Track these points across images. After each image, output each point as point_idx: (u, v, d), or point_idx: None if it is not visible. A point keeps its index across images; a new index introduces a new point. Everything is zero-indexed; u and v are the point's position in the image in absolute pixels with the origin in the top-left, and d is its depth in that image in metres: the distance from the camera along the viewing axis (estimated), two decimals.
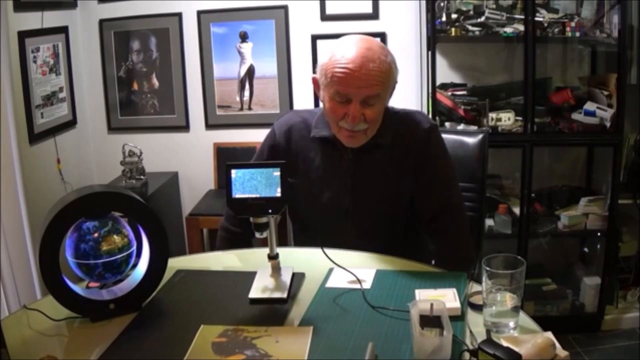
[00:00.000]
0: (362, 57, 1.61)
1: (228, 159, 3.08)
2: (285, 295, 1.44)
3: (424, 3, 2.85)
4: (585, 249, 3.09)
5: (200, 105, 3.28)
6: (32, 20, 2.79)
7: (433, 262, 1.76)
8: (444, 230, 1.78)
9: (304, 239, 1.87)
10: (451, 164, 1.83)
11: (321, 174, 1.80)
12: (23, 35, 2.69)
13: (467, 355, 1.17)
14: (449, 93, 2.85)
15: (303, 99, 3.19)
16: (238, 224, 1.87)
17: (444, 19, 2.74)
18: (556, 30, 2.72)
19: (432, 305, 1.24)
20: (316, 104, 3.10)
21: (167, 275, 1.53)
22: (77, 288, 1.42)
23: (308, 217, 1.86)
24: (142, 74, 3.27)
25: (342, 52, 1.63)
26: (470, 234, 1.85)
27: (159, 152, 3.31)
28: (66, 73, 3.07)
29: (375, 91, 1.63)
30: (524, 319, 1.31)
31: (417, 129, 1.77)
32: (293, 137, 1.83)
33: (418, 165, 1.76)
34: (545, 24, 2.72)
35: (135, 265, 1.48)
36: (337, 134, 1.73)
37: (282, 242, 3.17)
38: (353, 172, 1.78)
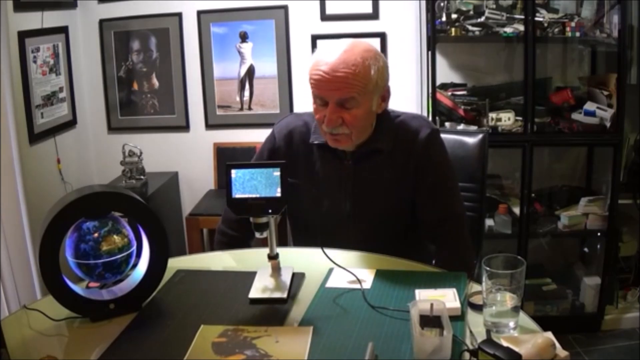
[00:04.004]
0: (337, 60, 1.61)
1: (228, 159, 3.08)
2: (285, 295, 1.44)
3: (424, 3, 2.85)
4: (585, 249, 3.09)
5: (200, 105, 3.28)
6: (32, 20, 2.79)
7: (434, 262, 1.77)
8: (445, 237, 1.78)
9: (303, 242, 1.87)
10: (452, 170, 1.82)
11: (322, 179, 1.80)
12: (23, 35, 2.69)
13: (467, 355, 1.17)
14: (449, 93, 2.85)
15: (303, 99, 3.18)
16: (236, 228, 1.87)
17: (444, 19, 2.74)
18: (556, 30, 2.72)
19: (432, 305, 1.24)
20: None
21: (167, 275, 1.53)
22: (77, 288, 1.42)
23: (308, 222, 1.85)
24: (142, 74, 3.27)
25: (322, 56, 1.65)
26: (471, 239, 1.84)
27: (159, 152, 3.31)
28: (66, 73, 3.07)
29: (347, 94, 1.62)
30: (524, 319, 1.31)
31: (418, 134, 1.75)
32: (294, 141, 1.82)
33: (419, 171, 1.75)
34: (545, 24, 2.72)
35: (135, 265, 1.48)
36: (324, 137, 1.73)
37: (282, 242, 3.17)
38: (353, 177, 1.77)
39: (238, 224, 1.83)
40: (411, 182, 1.76)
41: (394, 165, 1.75)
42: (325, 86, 1.62)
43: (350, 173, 1.77)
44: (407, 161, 1.75)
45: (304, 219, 1.86)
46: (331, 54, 1.63)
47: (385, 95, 1.72)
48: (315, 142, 1.78)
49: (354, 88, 1.61)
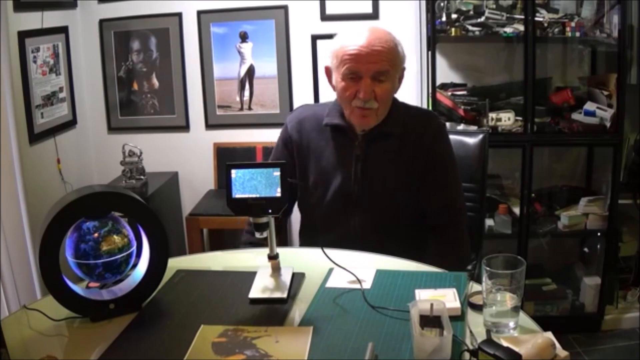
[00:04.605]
0: (371, 36, 1.73)
1: (228, 159, 3.08)
2: (285, 295, 1.44)
3: (424, 3, 2.85)
4: (585, 249, 3.08)
5: (200, 105, 3.27)
6: (32, 20, 2.79)
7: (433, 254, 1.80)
8: (443, 228, 1.84)
9: (309, 227, 1.93)
10: (457, 165, 1.90)
11: (332, 161, 1.85)
12: (23, 35, 2.69)
13: (467, 355, 1.17)
14: (449, 93, 2.85)
15: (303, 99, 3.18)
16: None
17: (444, 19, 2.74)
18: (556, 30, 2.72)
19: (432, 305, 1.24)
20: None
21: (167, 275, 1.53)
22: (77, 288, 1.42)
23: (317, 205, 1.88)
24: (142, 74, 3.27)
25: (352, 35, 1.75)
26: (469, 235, 1.89)
27: (159, 152, 3.31)
28: (66, 73, 3.07)
29: (384, 67, 1.73)
30: (524, 319, 1.31)
31: (428, 124, 1.85)
32: (304, 128, 1.90)
33: (428, 162, 1.82)
34: (545, 24, 2.72)
35: (135, 265, 1.48)
36: (350, 115, 1.80)
37: (282, 242, 3.17)
38: (364, 159, 1.82)
39: None
40: (417, 170, 1.82)
41: (402, 150, 1.82)
42: (364, 59, 1.72)
43: (361, 154, 1.82)
44: (416, 148, 1.82)
45: (313, 202, 1.89)
46: (360, 33, 1.74)
47: (401, 76, 1.83)
48: (330, 123, 1.86)
49: (388, 62, 1.74)
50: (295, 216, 3.22)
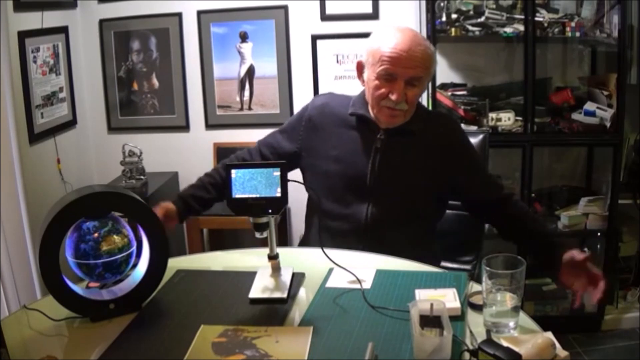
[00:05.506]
0: (411, 41, 1.75)
1: None
2: (285, 295, 1.44)
3: (424, 3, 2.85)
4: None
5: (200, 105, 3.28)
6: (32, 20, 2.79)
7: (441, 263, 1.80)
8: (505, 206, 1.87)
9: (317, 215, 1.92)
10: None
11: (351, 150, 1.86)
12: (23, 35, 2.69)
13: (467, 355, 1.17)
14: (449, 93, 2.85)
15: (303, 99, 3.18)
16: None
17: (444, 19, 2.74)
18: (556, 30, 2.72)
19: (432, 305, 1.24)
20: None
21: (167, 275, 1.53)
22: (77, 288, 1.42)
23: (329, 192, 1.88)
24: (142, 74, 3.27)
25: (393, 37, 1.76)
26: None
27: (159, 152, 3.31)
28: (66, 73, 3.07)
29: (420, 73, 1.76)
30: (524, 319, 1.31)
31: (452, 127, 1.93)
32: (326, 112, 1.92)
33: (462, 162, 1.85)
34: (545, 24, 2.72)
35: (135, 265, 1.48)
36: (378, 113, 1.82)
37: (282, 242, 3.17)
38: (383, 152, 1.83)
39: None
40: (437, 169, 1.84)
41: (422, 147, 1.84)
42: (403, 64, 1.74)
43: (381, 147, 1.84)
44: (438, 146, 1.84)
45: (325, 189, 1.88)
46: (401, 37, 1.75)
47: (429, 80, 1.87)
48: (355, 112, 1.87)
49: (424, 68, 1.77)
50: (295, 215, 3.23)
